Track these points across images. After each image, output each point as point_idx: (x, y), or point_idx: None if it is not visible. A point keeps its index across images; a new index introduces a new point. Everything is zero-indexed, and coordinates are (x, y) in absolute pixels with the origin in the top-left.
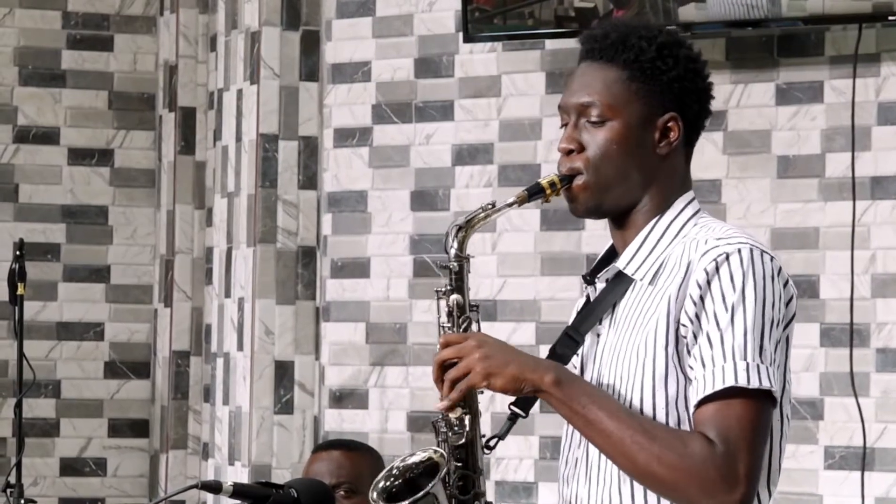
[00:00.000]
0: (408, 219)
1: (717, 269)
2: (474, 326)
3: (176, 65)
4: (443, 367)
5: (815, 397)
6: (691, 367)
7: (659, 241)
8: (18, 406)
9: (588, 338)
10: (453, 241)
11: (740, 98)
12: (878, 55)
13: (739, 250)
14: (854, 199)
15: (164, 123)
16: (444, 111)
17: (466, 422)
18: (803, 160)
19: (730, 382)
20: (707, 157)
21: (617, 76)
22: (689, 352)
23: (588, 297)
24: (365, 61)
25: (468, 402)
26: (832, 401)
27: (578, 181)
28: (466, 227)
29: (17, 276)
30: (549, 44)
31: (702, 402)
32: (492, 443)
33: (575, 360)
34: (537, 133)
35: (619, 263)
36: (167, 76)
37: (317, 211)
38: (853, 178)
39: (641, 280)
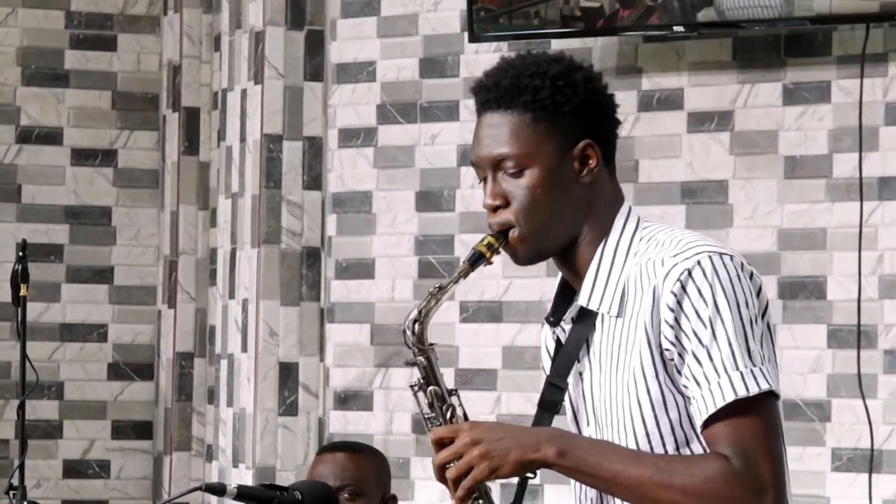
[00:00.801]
0: (413, 219)
1: (684, 287)
2: (458, 411)
3: (180, 65)
4: (442, 467)
5: (822, 399)
6: (686, 387)
7: (612, 267)
8: (21, 408)
9: (571, 379)
10: (412, 335)
11: (747, 98)
12: (886, 55)
13: (699, 262)
14: (861, 200)
15: (167, 124)
16: (449, 111)
17: None
18: (810, 160)
19: (730, 397)
20: (714, 157)
21: (521, 121)
22: (679, 372)
23: (558, 339)
24: (370, 61)
25: (477, 488)
26: (839, 402)
27: (513, 234)
28: (422, 320)
29: (20, 277)
30: (555, 44)
31: (708, 422)
32: None
33: (565, 401)
34: None
35: (581, 300)
36: (171, 76)
37: (321, 211)
38: (860, 178)
39: (608, 313)
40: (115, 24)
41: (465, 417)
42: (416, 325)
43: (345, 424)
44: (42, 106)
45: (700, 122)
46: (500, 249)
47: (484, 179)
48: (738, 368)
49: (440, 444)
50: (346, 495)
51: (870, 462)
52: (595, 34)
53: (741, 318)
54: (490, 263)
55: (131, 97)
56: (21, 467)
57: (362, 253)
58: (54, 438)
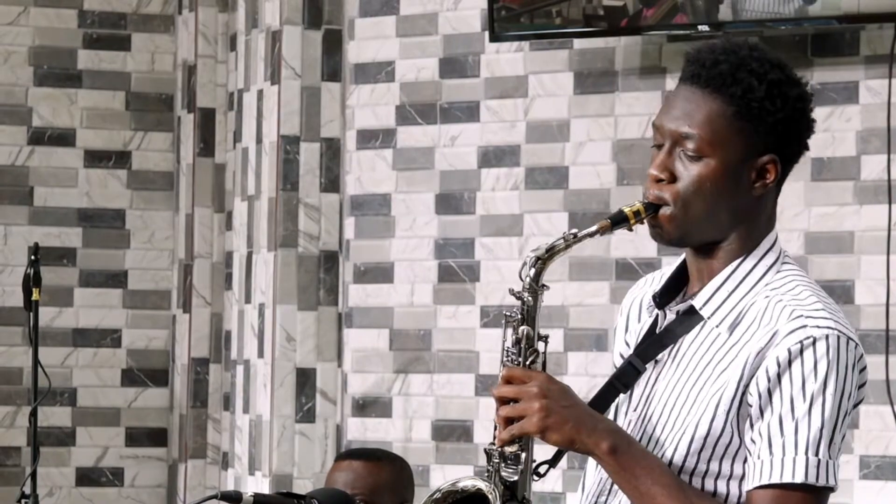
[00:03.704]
0: (432, 222)
1: (802, 351)
2: (540, 359)
3: (195, 65)
4: (501, 401)
5: None
6: (753, 441)
7: (739, 285)
8: (33, 414)
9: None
10: (530, 269)
11: None
12: None
13: (827, 336)
14: (890, 203)
15: (182, 125)
16: (469, 112)
17: (522, 458)
18: (838, 162)
19: (800, 479)
20: None
21: (721, 111)
22: (751, 424)
23: (655, 320)
24: (388, 61)
25: (524, 437)
26: (867, 409)
27: (665, 212)
28: (546, 259)
29: (32, 281)
30: (578, 43)
31: (763, 487)
32: (542, 469)
33: None
34: (565, 134)
35: (696, 302)
36: (186, 76)
37: (339, 214)
38: (889, 180)
39: (718, 327)
40: (128, 24)
41: (544, 368)
42: (539, 262)
43: (363, 431)
44: (54, 107)
45: None
46: (644, 221)
47: (658, 146)
48: (817, 455)
49: (509, 382)
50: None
51: None
52: (618, 33)
53: (838, 409)
54: (630, 230)
55: (145, 98)
56: (33, 475)
57: (381, 256)
58: (67, 446)
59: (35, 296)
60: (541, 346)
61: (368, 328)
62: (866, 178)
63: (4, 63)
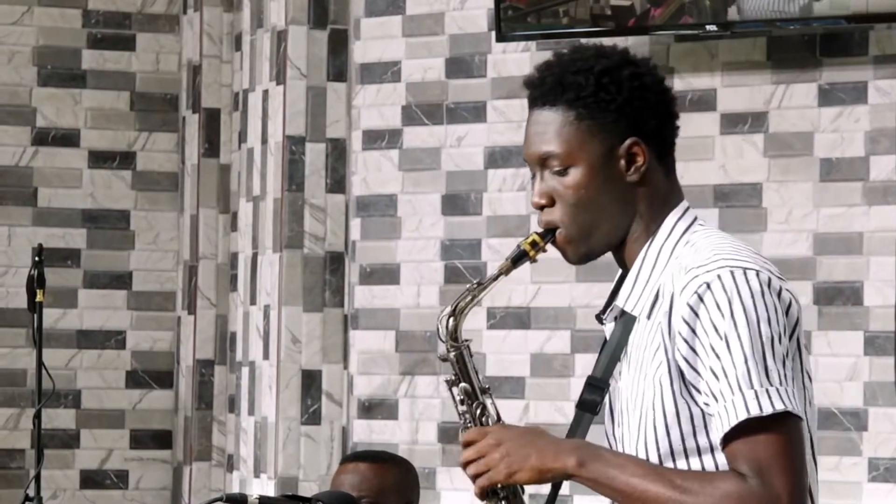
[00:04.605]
0: (438, 223)
1: (701, 299)
2: (490, 410)
3: (200, 65)
4: (466, 465)
5: (858, 407)
6: (707, 404)
7: (653, 269)
8: (37, 416)
9: (612, 380)
10: (445, 330)
11: (782, 99)
12: None
13: (719, 276)
14: None
15: (187, 125)
16: (476, 112)
17: None
18: (847, 163)
19: (742, 415)
20: (747, 159)
21: (565, 120)
22: (697, 389)
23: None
24: (394, 61)
25: (503, 488)
26: (876, 411)
27: (560, 234)
28: (457, 315)
29: (36, 282)
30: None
31: (726, 439)
32: None
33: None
34: None
35: (620, 302)
36: (191, 76)
37: (345, 215)
38: None
39: (640, 315)
40: (133, 23)
41: (498, 416)
42: (450, 321)
43: (369, 434)
44: (58, 107)
45: (733, 123)
46: (546, 248)
47: (533, 176)
48: (752, 387)
49: (469, 445)
50: None
51: None
52: (626, 33)
53: (760, 335)
54: (534, 261)
55: (150, 98)
56: (37, 478)
57: (387, 258)
58: (71, 448)
59: (39, 297)
60: (487, 399)
61: (374, 330)
62: (875, 179)
63: (8, 63)
